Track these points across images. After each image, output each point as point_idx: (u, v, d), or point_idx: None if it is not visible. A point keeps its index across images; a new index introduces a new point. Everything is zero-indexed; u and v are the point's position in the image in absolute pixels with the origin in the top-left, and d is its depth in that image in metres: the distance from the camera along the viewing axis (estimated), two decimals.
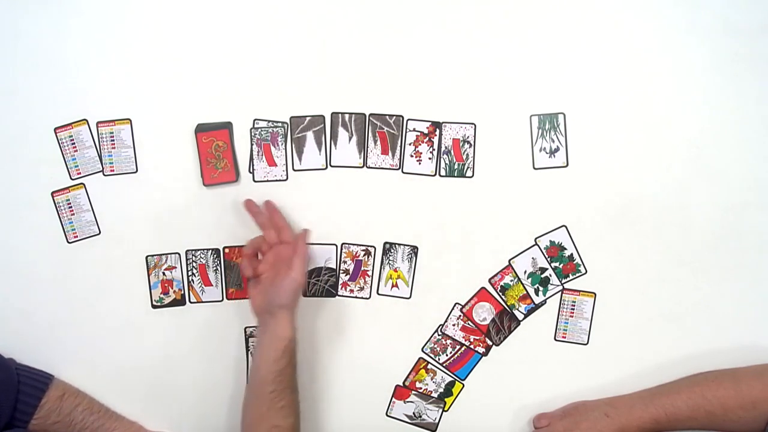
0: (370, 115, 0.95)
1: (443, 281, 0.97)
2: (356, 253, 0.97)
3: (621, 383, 0.94)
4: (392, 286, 0.98)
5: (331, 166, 0.96)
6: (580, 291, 0.95)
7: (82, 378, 0.96)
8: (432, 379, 0.98)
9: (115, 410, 0.96)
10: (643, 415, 0.86)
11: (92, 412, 0.87)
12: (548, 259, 0.95)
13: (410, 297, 0.97)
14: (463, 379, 0.98)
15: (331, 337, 0.98)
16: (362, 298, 0.98)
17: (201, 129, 0.96)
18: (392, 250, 0.97)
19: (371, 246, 0.97)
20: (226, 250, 0.98)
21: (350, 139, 0.96)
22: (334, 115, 0.95)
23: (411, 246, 0.96)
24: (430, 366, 0.98)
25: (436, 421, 0.99)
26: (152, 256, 0.97)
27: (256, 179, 0.96)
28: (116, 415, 0.92)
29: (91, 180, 0.97)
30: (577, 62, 0.93)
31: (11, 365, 0.90)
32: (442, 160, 0.95)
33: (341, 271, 0.98)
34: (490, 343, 0.97)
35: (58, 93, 0.96)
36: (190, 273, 0.98)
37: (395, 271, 0.97)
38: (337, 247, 0.97)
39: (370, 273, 0.98)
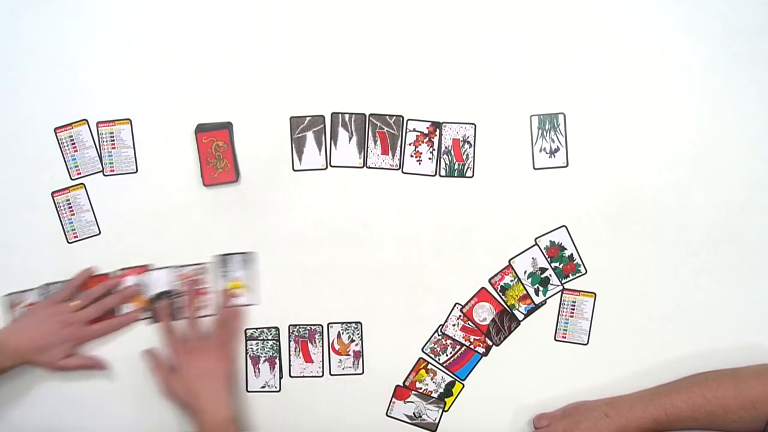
0: (370, 115, 0.95)
1: (443, 281, 0.97)
2: None
3: (621, 383, 0.93)
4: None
5: (331, 166, 0.96)
6: (580, 291, 0.95)
7: (81, 378, 0.96)
8: (432, 379, 0.98)
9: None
10: (643, 415, 0.86)
11: None
12: (548, 259, 0.95)
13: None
14: (463, 379, 0.98)
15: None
16: None
17: (201, 129, 0.96)
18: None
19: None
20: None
21: (350, 139, 0.96)
22: (334, 115, 0.95)
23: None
24: (430, 366, 0.98)
25: (436, 421, 0.99)
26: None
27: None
28: None
29: (91, 180, 0.97)
30: (577, 62, 0.93)
31: None
32: (442, 160, 0.95)
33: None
34: (490, 343, 0.97)
35: (58, 93, 0.96)
36: None
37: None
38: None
39: None
